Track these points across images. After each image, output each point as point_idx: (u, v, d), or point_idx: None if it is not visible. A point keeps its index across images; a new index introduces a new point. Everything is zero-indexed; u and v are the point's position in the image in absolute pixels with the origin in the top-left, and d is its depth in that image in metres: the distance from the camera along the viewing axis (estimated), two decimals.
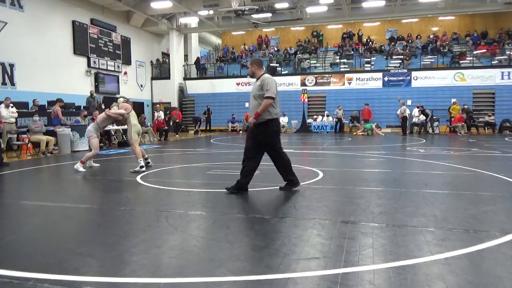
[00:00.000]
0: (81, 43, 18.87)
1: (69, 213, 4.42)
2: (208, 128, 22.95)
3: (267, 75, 5.02)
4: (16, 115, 12.22)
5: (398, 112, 19.50)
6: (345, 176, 6.79)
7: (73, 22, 18.37)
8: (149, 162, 7.99)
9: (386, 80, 22.64)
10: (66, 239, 3.47)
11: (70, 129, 11.96)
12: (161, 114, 18.58)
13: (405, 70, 22.61)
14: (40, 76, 16.26)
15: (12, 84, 15.20)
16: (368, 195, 4.99)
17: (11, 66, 15.15)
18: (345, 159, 9.50)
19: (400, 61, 23.69)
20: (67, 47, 18.17)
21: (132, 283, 2.41)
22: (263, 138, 5.06)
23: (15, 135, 11.49)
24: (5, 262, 2.82)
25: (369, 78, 22.98)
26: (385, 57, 24.42)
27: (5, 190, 6.38)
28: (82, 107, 15.92)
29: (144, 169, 7.33)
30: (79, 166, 7.55)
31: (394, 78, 22.56)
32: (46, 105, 15.10)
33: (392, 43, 25.73)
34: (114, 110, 7.86)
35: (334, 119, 21.17)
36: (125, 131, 14.68)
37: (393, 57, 24.16)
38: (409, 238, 3.26)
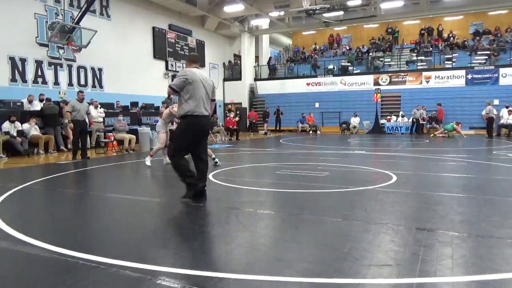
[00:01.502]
0: (160, 47, 20.13)
1: (148, 207, 4.74)
2: (278, 128, 23.08)
3: (187, 69, 4.80)
4: (104, 115, 13.44)
5: (483, 112, 17.89)
6: (421, 180, 6.39)
7: (153, 28, 19.67)
8: (217, 162, 8.27)
9: (469, 78, 20.91)
10: (145, 231, 3.72)
11: (149, 128, 12.82)
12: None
13: (492, 67, 20.68)
14: (123, 79, 17.65)
15: (101, 86, 16.71)
16: (448, 202, 4.65)
17: (100, 70, 16.66)
18: (422, 162, 8.95)
19: (486, 57, 21.70)
20: (147, 52, 19.49)
21: (204, 276, 2.51)
22: (180, 135, 4.85)
23: (103, 133, 12.64)
24: (93, 248, 3.10)
25: (450, 76, 21.40)
26: (468, 53, 22.57)
27: (92, 183, 7.03)
28: (160, 108, 16.93)
29: None
30: (147, 159, 8.27)
31: (479, 76, 20.74)
32: (129, 106, 16.35)
33: (477, 38, 23.67)
34: (176, 109, 8.36)
35: (410, 120, 20.00)
36: None
37: (478, 53, 22.22)
38: (495, 250, 2.98)
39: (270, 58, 27.34)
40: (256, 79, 26.56)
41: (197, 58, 5.08)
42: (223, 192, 5.62)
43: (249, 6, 21.16)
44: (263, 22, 25.79)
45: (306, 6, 18.36)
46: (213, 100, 4.96)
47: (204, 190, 4.86)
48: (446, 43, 24.40)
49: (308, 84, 24.67)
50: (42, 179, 6.78)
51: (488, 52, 21.79)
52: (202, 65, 23.52)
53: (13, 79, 13.42)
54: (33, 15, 14.02)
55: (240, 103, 25.75)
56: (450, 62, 22.38)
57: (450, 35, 24.81)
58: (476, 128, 19.48)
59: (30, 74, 13.95)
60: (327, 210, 4.34)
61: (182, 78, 4.67)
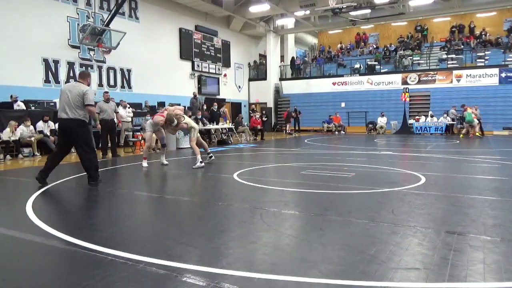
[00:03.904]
0: (187, 48, 20.41)
1: (174, 205, 4.82)
2: (297, 128, 22.92)
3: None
4: (132, 114, 13.77)
5: None
6: (451, 182, 6.21)
7: (180, 29, 19.97)
8: (211, 157, 8.89)
9: (503, 76, 20.11)
10: (171, 228, 3.78)
11: None
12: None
13: None
14: (151, 80, 18.00)
15: (129, 87, 17.11)
16: (479, 205, 4.50)
17: (129, 71, 17.06)
18: (452, 163, 8.69)
19: None
20: (174, 53, 19.81)
21: (229, 275, 2.53)
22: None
23: (131, 133, 12.95)
24: (121, 245, 3.18)
25: (482, 74, 20.66)
26: (502, 50, 21.72)
27: (121, 181, 7.20)
28: (186, 108, 17.17)
29: (203, 164, 8.04)
30: (143, 162, 8.50)
31: None
32: (156, 106, 16.67)
33: None
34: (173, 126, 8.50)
35: (446, 119, 19.30)
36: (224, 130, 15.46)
37: None
38: None
39: (292, 58, 27.21)
40: (281, 79, 26.50)
41: (83, 74, 6.12)
42: (248, 191, 5.64)
43: (275, 5, 21.13)
44: (288, 22, 25.71)
45: (332, 4, 18.15)
46: (87, 105, 5.77)
47: (91, 175, 5.95)
48: (478, 40, 23.57)
49: (334, 83, 24.40)
50: (73, 176, 7.01)
51: None
52: (228, 65, 23.71)
53: (47, 80, 13.93)
54: (65, 18, 14.51)
55: (265, 103, 25.75)
56: (483, 60, 21.61)
57: (483, 32, 23.95)
58: (510, 128, 18.74)
59: (62, 75, 14.44)
60: (353, 211, 4.28)
61: (60, 94, 5.98)
